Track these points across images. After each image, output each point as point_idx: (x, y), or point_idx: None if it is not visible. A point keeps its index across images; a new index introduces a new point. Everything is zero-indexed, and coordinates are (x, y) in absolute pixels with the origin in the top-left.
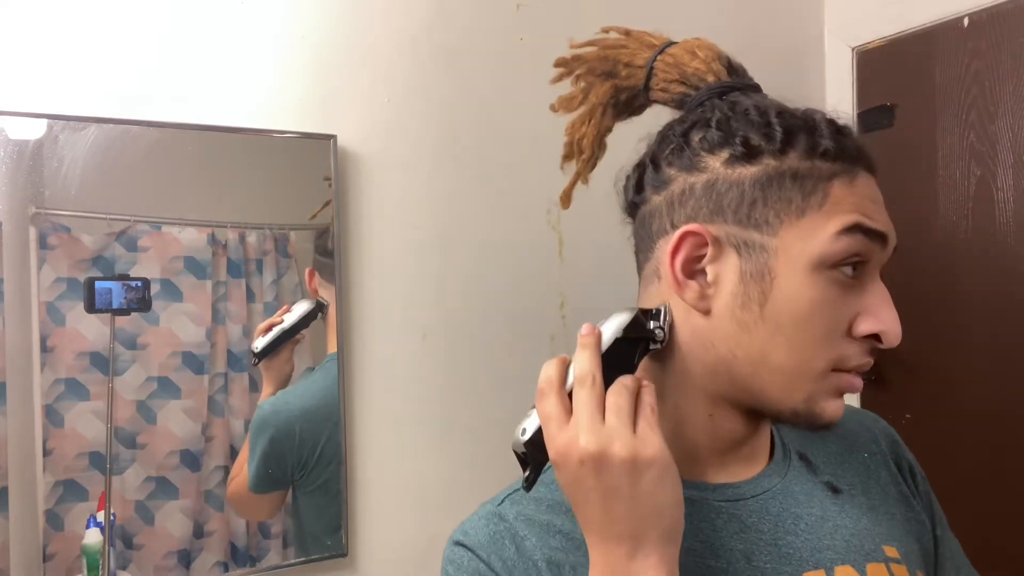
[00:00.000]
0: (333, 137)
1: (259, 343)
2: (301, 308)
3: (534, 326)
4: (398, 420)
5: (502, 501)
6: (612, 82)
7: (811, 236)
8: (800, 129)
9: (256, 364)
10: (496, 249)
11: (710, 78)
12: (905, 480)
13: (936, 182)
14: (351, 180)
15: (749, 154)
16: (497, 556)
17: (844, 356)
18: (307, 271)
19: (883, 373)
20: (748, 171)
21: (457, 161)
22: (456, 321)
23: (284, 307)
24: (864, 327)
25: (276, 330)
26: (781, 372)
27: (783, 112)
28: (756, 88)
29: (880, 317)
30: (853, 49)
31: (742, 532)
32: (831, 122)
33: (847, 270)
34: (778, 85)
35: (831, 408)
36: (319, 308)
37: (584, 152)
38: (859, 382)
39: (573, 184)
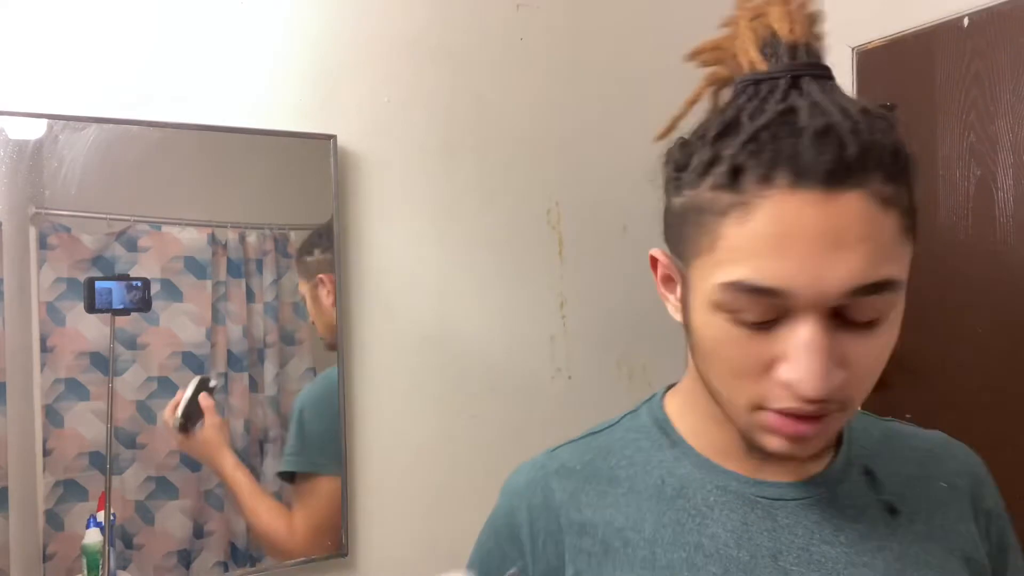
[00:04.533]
0: (333, 137)
1: (179, 416)
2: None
3: (534, 326)
4: (398, 420)
5: (556, 449)
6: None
7: (705, 279)
8: (723, 150)
9: (186, 434)
10: (496, 249)
11: (745, 63)
12: (977, 520)
13: (936, 182)
14: (351, 180)
15: (678, 183)
16: (526, 503)
17: (764, 396)
18: (318, 279)
19: (883, 373)
20: (675, 202)
21: (457, 161)
22: (456, 321)
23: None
24: (779, 373)
25: (182, 404)
26: (719, 398)
27: (732, 123)
28: (800, 77)
29: (794, 366)
30: (853, 49)
31: (774, 531)
32: (763, 128)
33: (746, 317)
34: None
35: (772, 443)
36: (203, 383)
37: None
38: (789, 426)
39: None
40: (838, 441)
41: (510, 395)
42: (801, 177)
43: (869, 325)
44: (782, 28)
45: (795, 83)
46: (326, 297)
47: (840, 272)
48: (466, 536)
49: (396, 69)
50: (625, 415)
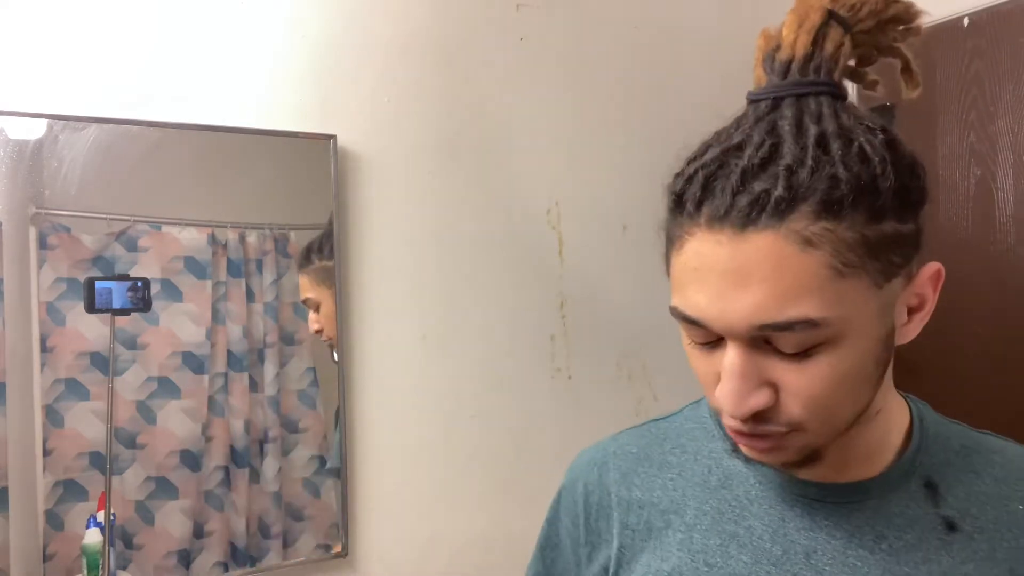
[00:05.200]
0: (333, 137)
1: None
2: None
3: (534, 326)
4: (398, 420)
5: (619, 433)
6: None
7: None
8: (679, 178)
9: None
10: (496, 249)
11: (755, 78)
12: None
13: (936, 182)
14: (351, 180)
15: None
16: (583, 480)
17: (718, 408)
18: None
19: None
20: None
21: (457, 161)
22: (456, 321)
23: None
24: (715, 390)
25: None
26: None
27: (702, 149)
28: (801, 95)
29: (720, 386)
30: None
31: (811, 530)
32: (710, 162)
33: (694, 338)
34: None
35: (745, 450)
36: None
37: None
38: (740, 441)
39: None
40: (901, 449)
41: (510, 395)
42: (717, 217)
43: (800, 355)
44: (786, 39)
45: (776, 105)
46: None
47: (740, 310)
48: (466, 536)
49: (396, 69)
50: (688, 405)
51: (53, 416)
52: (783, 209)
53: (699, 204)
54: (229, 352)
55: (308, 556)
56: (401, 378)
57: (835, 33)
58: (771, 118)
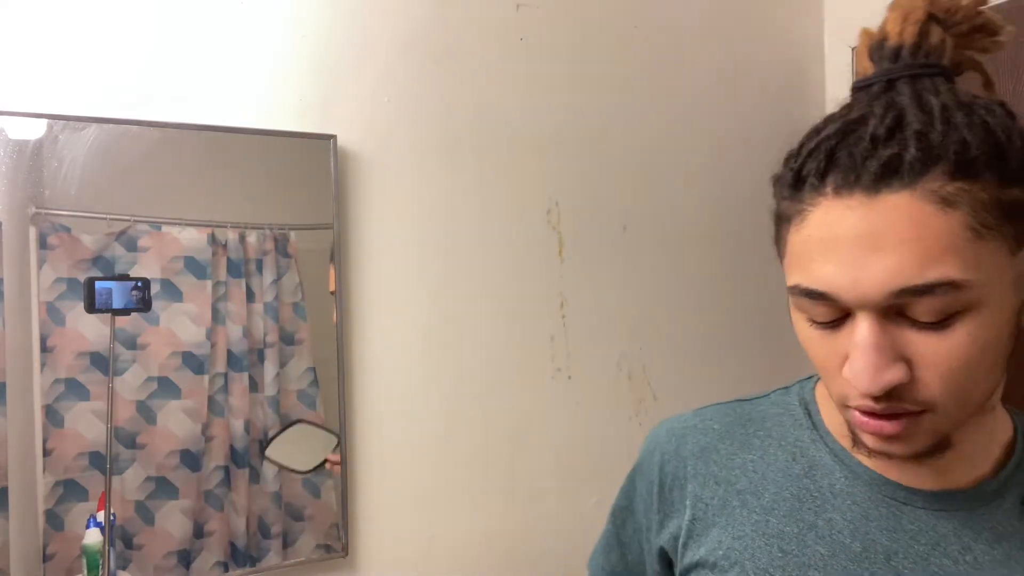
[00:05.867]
0: (333, 137)
1: None
2: None
3: (534, 326)
4: (398, 420)
5: (703, 408)
6: None
7: (786, 284)
8: (796, 159)
9: None
10: (496, 249)
11: (860, 69)
12: None
13: None
14: (351, 180)
15: (774, 191)
16: (660, 450)
17: (845, 394)
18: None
19: None
20: (774, 209)
21: (457, 161)
22: (456, 321)
23: None
24: (843, 371)
25: None
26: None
27: (813, 132)
28: (916, 77)
29: (850, 363)
30: (853, 49)
31: (894, 532)
32: (829, 137)
33: (816, 318)
34: (778, 86)
35: (866, 439)
36: None
37: None
38: (870, 424)
39: None
40: (1000, 463)
41: (510, 395)
42: (847, 183)
43: (938, 324)
44: (892, 31)
45: (891, 86)
46: None
47: (877, 275)
48: (466, 536)
49: (396, 69)
50: (777, 390)
51: (53, 416)
52: (917, 170)
53: (823, 175)
54: (229, 352)
55: (308, 556)
56: (401, 377)
57: (936, 29)
58: (888, 96)
